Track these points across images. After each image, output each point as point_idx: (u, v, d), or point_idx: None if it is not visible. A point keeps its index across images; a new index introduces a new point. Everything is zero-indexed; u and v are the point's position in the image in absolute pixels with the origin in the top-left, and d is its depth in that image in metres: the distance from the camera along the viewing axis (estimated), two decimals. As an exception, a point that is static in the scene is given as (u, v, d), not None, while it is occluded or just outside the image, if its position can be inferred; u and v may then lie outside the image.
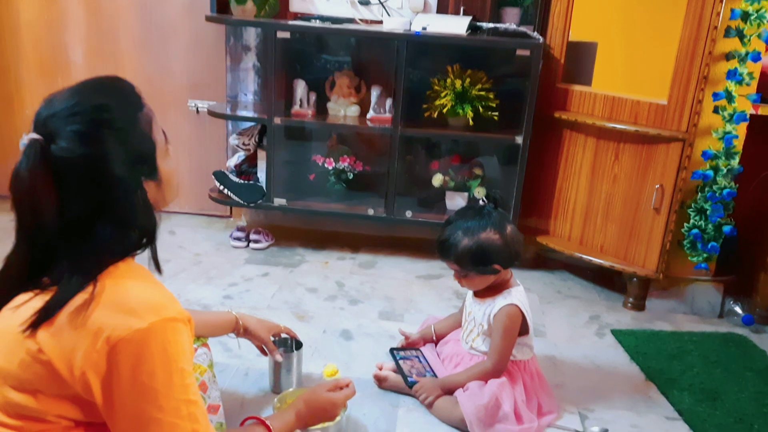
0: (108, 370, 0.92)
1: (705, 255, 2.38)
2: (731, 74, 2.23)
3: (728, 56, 2.24)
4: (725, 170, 2.29)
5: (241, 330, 1.71)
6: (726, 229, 2.33)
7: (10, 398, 0.95)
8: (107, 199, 0.97)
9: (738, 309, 2.50)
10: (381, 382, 1.89)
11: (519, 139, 2.67)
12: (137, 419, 0.93)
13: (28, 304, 0.95)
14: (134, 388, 0.92)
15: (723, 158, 2.30)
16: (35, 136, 0.93)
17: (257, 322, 1.75)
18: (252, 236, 2.96)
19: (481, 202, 1.85)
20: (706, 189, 2.32)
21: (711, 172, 2.31)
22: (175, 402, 0.95)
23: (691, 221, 2.36)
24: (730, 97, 2.25)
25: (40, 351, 0.93)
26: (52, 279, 0.96)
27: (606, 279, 2.77)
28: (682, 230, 2.40)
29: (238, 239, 2.96)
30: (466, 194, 2.89)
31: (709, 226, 2.34)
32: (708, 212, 2.33)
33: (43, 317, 0.93)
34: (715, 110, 2.29)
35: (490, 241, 1.76)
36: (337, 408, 1.44)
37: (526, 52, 2.57)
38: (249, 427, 1.21)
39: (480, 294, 1.86)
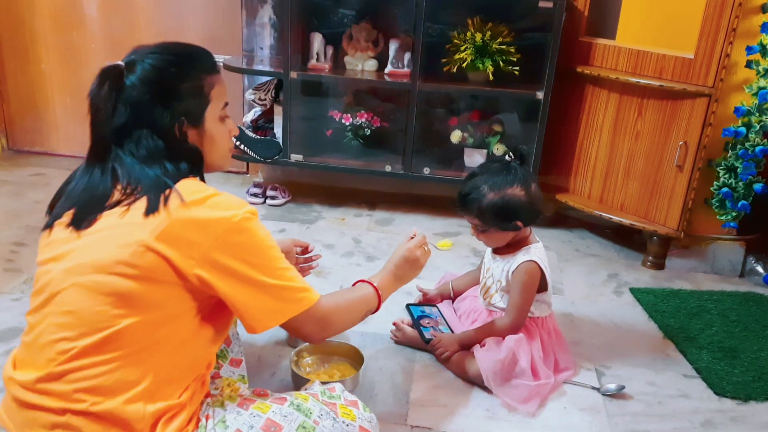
0: (216, 257, 1.08)
1: (734, 213, 2.33)
2: (766, 27, 2.14)
3: (764, 8, 2.16)
4: (758, 126, 2.22)
5: None
6: (757, 187, 2.28)
7: (118, 287, 1.05)
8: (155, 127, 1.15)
9: (760, 268, 2.47)
10: (398, 332, 1.90)
11: (540, 95, 2.62)
12: (253, 289, 1.11)
13: (130, 210, 1.07)
14: (242, 266, 1.10)
15: (756, 114, 2.22)
16: (120, 63, 1.15)
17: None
18: (269, 192, 2.95)
19: (507, 157, 1.81)
20: (738, 146, 2.26)
21: (743, 129, 2.24)
22: (280, 271, 1.15)
23: (721, 179, 2.30)
24: (764, 51, 2.16)
25: (152, 242, 1.05)
26: (133, 191, 1.09)
27: (625, 238, 2.74)
28: (712, 188, 2.34)
29: (255, 195, 2.96)
30: (485, 151, 2.85)
31: (740, 184, 2.28)
32: (738, 170, 2.27)
33: (152, 208, 1.06)
34: (748, 64, 2.21)
35: (515, 197, 1.73)
36: (419, 251, 1.52)
37: (549, 4, 2.51)
38: (359, 286, 1.40)
39: (499, 250, 1.85)
